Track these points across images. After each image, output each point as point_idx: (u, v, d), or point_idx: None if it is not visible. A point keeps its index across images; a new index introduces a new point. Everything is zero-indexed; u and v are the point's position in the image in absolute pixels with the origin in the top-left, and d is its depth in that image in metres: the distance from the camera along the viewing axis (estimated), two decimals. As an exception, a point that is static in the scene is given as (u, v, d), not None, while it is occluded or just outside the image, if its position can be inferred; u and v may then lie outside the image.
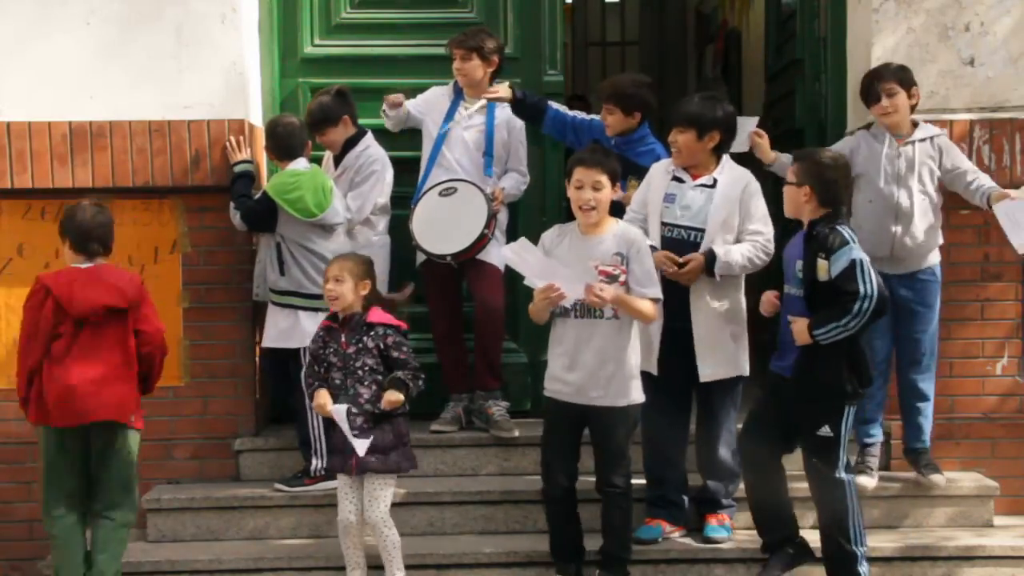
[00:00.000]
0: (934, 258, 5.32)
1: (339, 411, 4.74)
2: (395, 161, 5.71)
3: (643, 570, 4.98)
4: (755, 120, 5.49)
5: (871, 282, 4.46)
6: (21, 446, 5.60)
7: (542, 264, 4.66)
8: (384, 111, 5.70)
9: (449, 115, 5.67)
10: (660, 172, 5.04)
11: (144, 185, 5.39)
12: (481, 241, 5.40)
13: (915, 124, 5.28)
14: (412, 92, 5.83)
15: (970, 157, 5.44)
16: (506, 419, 5.60)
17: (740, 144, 5.31)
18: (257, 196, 5.40)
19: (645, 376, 4.93)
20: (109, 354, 4.68)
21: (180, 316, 5.58)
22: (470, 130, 5.66)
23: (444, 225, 5.42)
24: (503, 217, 5.68)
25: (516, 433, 5.52)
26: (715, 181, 4.93)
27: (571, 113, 5.59)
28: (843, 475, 4.64)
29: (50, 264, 5.49)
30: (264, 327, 5.43)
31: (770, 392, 4.81)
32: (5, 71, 5.51)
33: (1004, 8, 5.57)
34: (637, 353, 4.78)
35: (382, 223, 5.70)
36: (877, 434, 5.38)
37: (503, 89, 5.48)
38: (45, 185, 5.50)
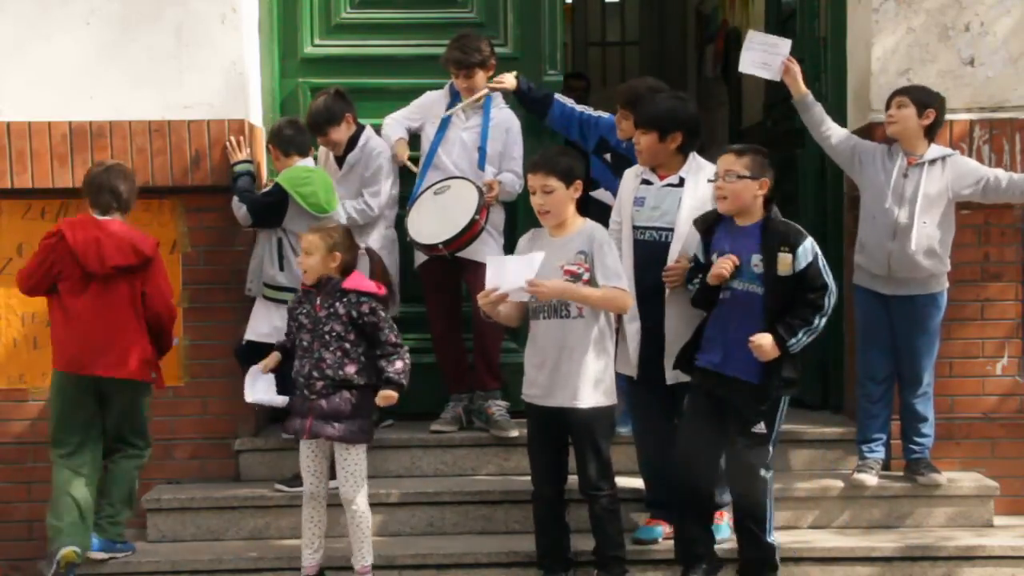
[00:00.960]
0: (937, 285, 5.28)
1: (252, 371, 4.86)
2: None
3: (643, 570, 4.97)
4: (788, 43, 5.36)
5: (830, 274, 4.48)
6: (21, 446, 5.61)
7: (495, 266, 4.71)
8: (403, 160, 5.69)
9: (445, 119, 5.68)
10: (630, 176, 5.02)
11: (144, 185, 5.37)
12: (472, 228, 5.36)
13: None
14: (412, 92, 5.84)
15: (970, 157, 5.44)
16: (506, 419, 5.60)
17: (771, 71, 5.27)
18: (267, 189, 5.42)
19: (627, 379, 4.93)
20: (119, 311, 4.87)
21: (180, 316, 5.57)
22: (468, 131, 5.67)
23: (437, 217, 5.43)
24: (499, 217, 5.67)
25: (515, 433, 5.52)
26: (681, 180, 4.90)
27: (579, 109, 5.59)
28: (766, 473, 4.63)
29: (50, 264, 5.49)
30: (250, 320, 5.44)
31: (701, 389, 4.69)
32: (5, 71, 5.52)
33: (1004, 8, 5.57)
34: (609, 354, 4.73)
35: (391, 215, 5.73)
36: (880, 451, 5.39)
37: (508, 79, 5.49)
38: (45, 185, 5.50)
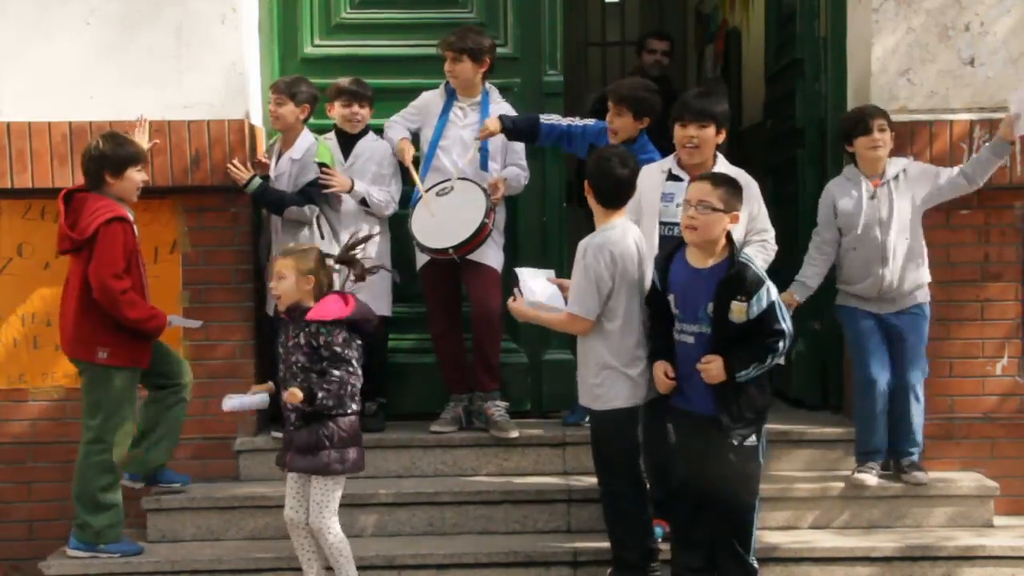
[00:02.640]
0: (922, 296, 5.33)
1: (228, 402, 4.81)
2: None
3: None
4: None
5: (788, 320, 4.43)
6: (21, 446, 5.62)
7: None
8: (405, 162, 5.68)
9: (443, 117, 5.68)
10: (653, 172, 5.02)
11: (144, 185, 5.37)
12: (482, 232, 5.37)
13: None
14: (412, 92, 5.84)
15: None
16: (505, 419, 5.60)
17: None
18: (313, 178, 5.47)
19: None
20: (71, 290, 4.95)
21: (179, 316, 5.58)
22: (467, 129, 5.66)
23: (443, 221, 5.42)
24: (500, 217, 5.67)
25: (515, 434, 5.52)
26: None
27: (565, 122, 5.56)
28: (755, 491, 4.56)
29: (50, 264, 5.50)
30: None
31: (679, 429, 4.67)
32: (5, 71, 5.52)
33: (1004, 8, 5.57)
34: (621, 358, 4.66)
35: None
36: (879, 459, 5.39)
37: (492, 123, 5.48)
38: (45, 185, 5.50)
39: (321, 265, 4.74)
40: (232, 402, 4.78)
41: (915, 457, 5.38)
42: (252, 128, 5.64)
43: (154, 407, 5.22)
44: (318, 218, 5.50)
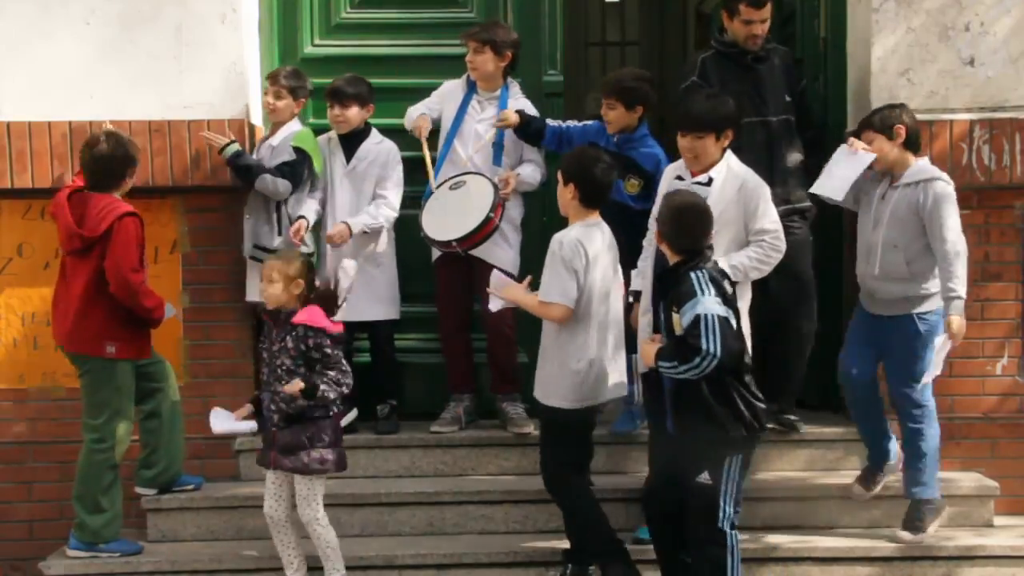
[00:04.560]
0: (917, 309, 5.05)
1: (216, 409, 4.90)
2: (406, 161, 5.77)
3: (643, 569, 4.96)
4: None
5: (715, 340, 4.25)
6: (21, 446, 5.62)
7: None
8: (420, 137, 5.66)
9: (462, 109, 5.67)
10: (669, 173, 5.08)
11: (144, 185, 5.38)
12: (487, 226, 5.34)
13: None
14: (412, 92, 5.84)
15: (970, 157, 5.44)
16: (522, 416, 5.62)
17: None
18: (290, 159, 5.45)
19: (645, 376, 4.94)
20: (74, 287, 4.97)
21: (180, 316, 5.58)
22: (483, 123, 5.65)
23: (451, 214, 5.42)
24: (516, 212, 5.66)
25: (529, 429, 5.51)
26: (711, 180, 4.90)
27: (565, 124, 5.58)
28: (725, 528, 4.44)
29: (50, 264, 5.50)
30: (248, 283, 5.50)
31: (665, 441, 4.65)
32: (5, 71, 5.52)
33: (1004, 8, 5.56)
34: (576, 358, 4.71)
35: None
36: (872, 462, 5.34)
37: (511, 116, 5.49)
38: (45, 185, 5.50)
39: (307, 270, 4.82)
40: (221, 425, 4.86)
41: (886, 464, 5.25)
42: (252, 128, 5.63)
43: (154, 422, 5.23)
44: (277, 205, 5.47)
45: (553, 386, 4.77)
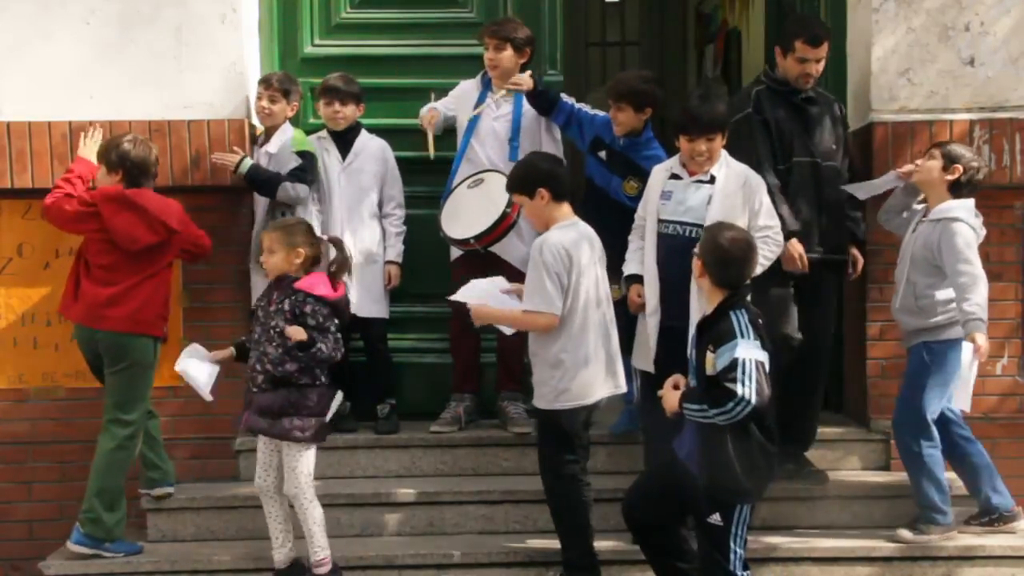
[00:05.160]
0: (926, 338, 4.99)
1: (194, 345, 4.96)
2: (406, 161, 5.80)
3: (643, 570, 4.96)
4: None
5: (751, 386, 4.13)
6: (21, 446, 5.62)
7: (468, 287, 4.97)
8: (425, 132, 5.63)
9: (477, 107, 5.66)
10: (659, 172, 5.04)
11: (144, 185, 5.37)
12: (504, 221, 5.31)
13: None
14: (412, 92, 5.85)
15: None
16: (522, 416, 5.62)
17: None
18: (297, 165, 5.46)
19: (644, 374, 4.94)
20: (160, 272, 5.25)
21: (180, 316, 5.58)
22: (499, 120, 5.66)
23: (469, 212, 5.42)
24: None
25: (528, 430, 5.50)
26: (713, 178, 4.91)
27: (578, 106, 5.59)
28: (737, 572, 4.32)
29: (50, 264, 5.51)
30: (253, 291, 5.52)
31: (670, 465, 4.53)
32: (5, 71, 5.52)
33: (1004, 8, 5.57)
34: (575, 360, 4.70)
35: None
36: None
37: (525, 79, 5.48)
38: (45, 185, 5.49)
39: (309, 239, 4.87)
40: (185, 365, 4.90)
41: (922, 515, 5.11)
42: (252, 128, 5.64)
43: (152, 423, 5.28)
44: (282, 212, 5.49)
45: (546, 388, 4.76)
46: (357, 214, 5.66)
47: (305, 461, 4.80)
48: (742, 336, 4.19)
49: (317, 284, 4.80)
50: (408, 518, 5.33)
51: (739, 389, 4.13)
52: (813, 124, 5.33)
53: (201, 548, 5.22)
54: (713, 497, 4.31)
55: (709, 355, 4.24)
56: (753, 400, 4.14)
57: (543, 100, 5.56)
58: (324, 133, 5.74)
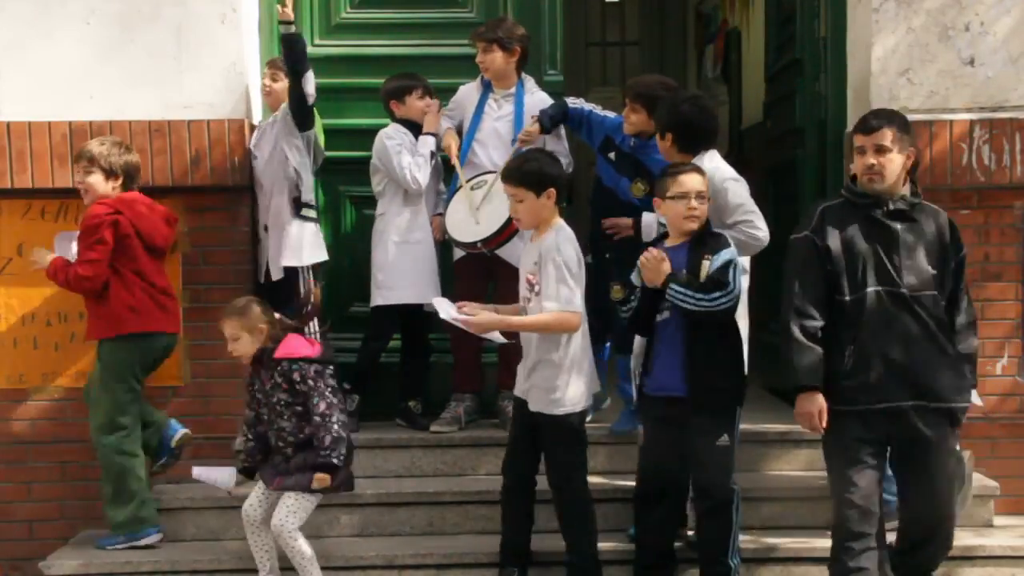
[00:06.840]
0: None
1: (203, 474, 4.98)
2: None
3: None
4: None
5: (738, 284, 4.51)
6: (21, 446, 5.62)
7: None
8: (453, 166, 5.62)
9: (479, 109, 5.67)
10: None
11: (144, 185, 5.37)
12: (512, 225, 5.25)
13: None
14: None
15: (970, 157, 5.45)
16: None
17: None
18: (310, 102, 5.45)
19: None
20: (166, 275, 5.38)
21: (180, 316, 5.57)
22: (501, 120, 5.66)
23: (475, 215, 5.40)
24: None
25: None
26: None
27: (587, 107, 5.58)
28: (735, 486, 4.61)
29: (50, 264, 5.50)
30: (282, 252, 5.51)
31: (658, 419, 4.68)
32: (5, 71, 5.52)
33: (1004, 8, 5.57)
34: (578, 361, 4.69)
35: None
36: None
37: (533, 131, 5.49)
38: (45, 185, 5.50)
39: (265, 314, 4.83)
40: (206, 474, 4.97)
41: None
42: (252, 128, 5.64)
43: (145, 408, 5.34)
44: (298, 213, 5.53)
45: (560, 392, 4.70)
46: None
47: (305, 509, 4.81)
48: (732, 245, 4.58)
49: (295, 347, 4.78)
50: (408, 518, 5.33)
51: (730, 281, 4.46)
52: (897, 244, 4.36)
53: (201, 548, 5.22)
54: (711, 407, 4.53)
55: (704, 262, 4.50)
56: (737, 295, 4.49)
57: (556, 124, 5.57)
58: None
